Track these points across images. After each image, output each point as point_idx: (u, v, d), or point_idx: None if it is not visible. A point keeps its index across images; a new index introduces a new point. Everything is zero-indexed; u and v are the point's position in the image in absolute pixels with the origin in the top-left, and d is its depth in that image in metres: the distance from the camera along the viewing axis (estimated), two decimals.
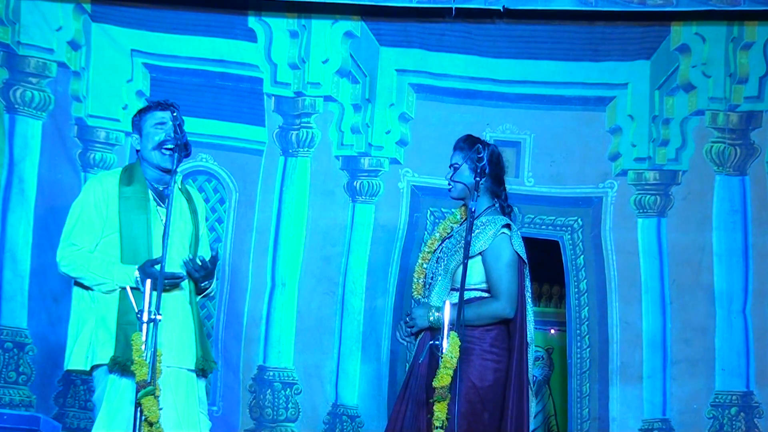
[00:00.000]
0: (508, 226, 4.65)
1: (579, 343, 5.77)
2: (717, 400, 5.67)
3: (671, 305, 5.75)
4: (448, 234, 4.83)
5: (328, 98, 5.98)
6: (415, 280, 4.86)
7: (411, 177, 5.94)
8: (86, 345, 4.39)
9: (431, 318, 4.59)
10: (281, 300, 5.86)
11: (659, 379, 5.70)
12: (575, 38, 5.95)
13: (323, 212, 5.92)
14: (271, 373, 5.82)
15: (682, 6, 5.77)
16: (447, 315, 4.22)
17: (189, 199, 4.61)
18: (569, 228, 5.87)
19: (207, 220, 5.11)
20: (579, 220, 5.87)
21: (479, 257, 4.60)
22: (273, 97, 5.99)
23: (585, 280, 5.81)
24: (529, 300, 4.69)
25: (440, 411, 4.20)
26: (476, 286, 4.62)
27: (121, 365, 4.27)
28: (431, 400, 4.27)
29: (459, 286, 4.48)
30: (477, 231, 4.60)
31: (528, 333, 4.63)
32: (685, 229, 5.79)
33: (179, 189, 4.56)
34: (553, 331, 6.35)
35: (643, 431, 5.69)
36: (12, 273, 5.64)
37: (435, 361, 4.33)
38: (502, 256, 4.59)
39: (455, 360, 4.19)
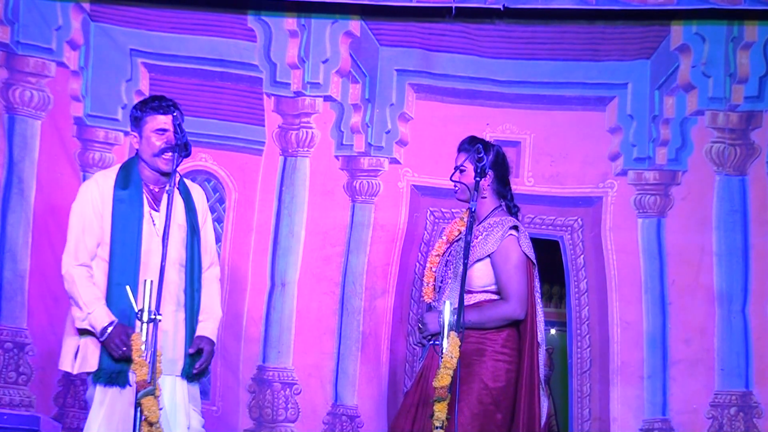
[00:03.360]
0: (515, 227, 4.67)
1: (579, 343, 5.77)
2: (716, 400, 5.66)
3: (671, 305, 5.74)
4: (455, 237, 4.84)
5: (327, 98, 5.97)
6: (425, 284, 4.85)
7: (411, 177, 5.94)
8: (73, 350, 4.43)
9: (441, 322, 4.57)
10: (281, 300, 5.85)
11: (659, 379, 5.70)
12: (575, 38, 5.94)
13: (323, 212, 5.91)
14: (271, 373, 5.82)
15: (682, 4, 5.77)
16: (447, 315, 4.23)
17: (185, 196, 4.58)
18: (569, 228, 5.87)
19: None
20: (579, 220, 5.86)
21: (488, 259, 4.63)
22: (272, 97, 5.98)
23: (585, 280, 5.80)
24: (539, 301, 4.72)
25: (440, 411, 4.21)
26: (486, 288, 4.65)
27: (105, 378, 4.32)
28: (432, 401, 4.28)
29: (470, 288, 4.56)
30: (486, 233, 4.64)
31: (539, 333, 4.65)
32: (685, 229, 5.78)
33: (176, 188, 4.53)
34: (553, 331, 6.37)
35: (644, 431, 5.69)
36: (12, 273, 5.64)
37: None
38: (511, 258, 4.63)
39: (455, 360, 4.21)
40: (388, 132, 5.98)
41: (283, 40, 5.98)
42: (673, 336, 5.72)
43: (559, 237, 5.84)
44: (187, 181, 4.71)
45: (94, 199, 4.47)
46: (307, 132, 5.96)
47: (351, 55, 5.98)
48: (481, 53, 5.95)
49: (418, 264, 5.85)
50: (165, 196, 4.43)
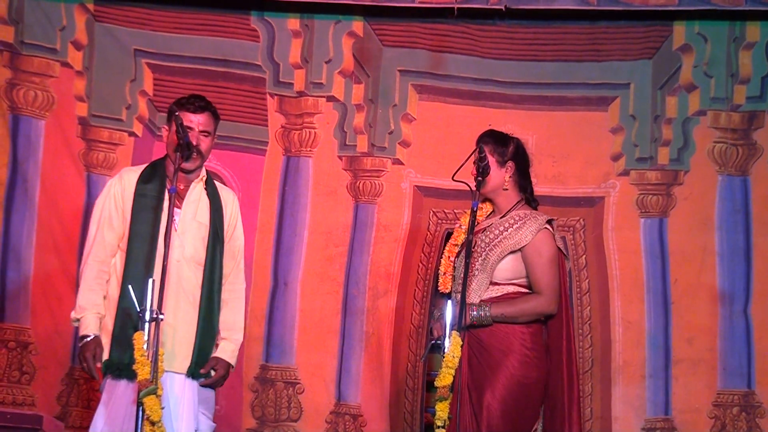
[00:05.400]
0: (550, 222, 4.59)
1: (581, 343, 5.77)
2: (719, 400, 5.67)
3: (673, 305, 5.75)
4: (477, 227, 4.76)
5: (330, 98, 5.99)
6: (442, 274, 4.71)
7: (414, 177, 5.95)
8: None
9: (471, 316, 4.46)
10: (284, 299, 5.87)
11: (661, 378, 5.70)
12: (577, 39, 5.96)
13: (326, 212, 5.93)
14: (274, 372, 5.83)
15: (684, 5, 5.77)
16: (449, 314, 4.21)
17: (213, 197, 4.58)
18: (571, 228, 5.87)
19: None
20: (581, 220, 5.87)
21: (518, 252, 4.51)
22: (276, 97, 6.00)
23: (587, 280, 5.81)
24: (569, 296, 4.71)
25: (442, 410, 4.19)
26: (513, 281, 4.53)
27: (113, 369, 4.32)
28: (433, 400, 4.27)
29: (498, 281, 4.49)
30: (516, 225, 4.52)
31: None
32: (687, 228, 5.79)
33: (204, 188, 4.57)
34: None
35: (646, 431, 5.69)
36: (15, 272, 5.65)
37: (474, 356, 4.42)
38: (545, 252, 4.51)
39: (457, 360, 4.17)
40: (391, 132, 5.99)
41: (286, 41, 5.99)
42: (675, 335, 5.72)
43: (562, 237, 5.84)
44: (220, 185, 4.70)
45: (116, 194, 4.49)
46: (310, 132, 5.97)
47: (354, 56, 5.99)
48: (484, 54, 5.96)
49: (420, 264, 5.86)
50: (188, 194, 4.49)
